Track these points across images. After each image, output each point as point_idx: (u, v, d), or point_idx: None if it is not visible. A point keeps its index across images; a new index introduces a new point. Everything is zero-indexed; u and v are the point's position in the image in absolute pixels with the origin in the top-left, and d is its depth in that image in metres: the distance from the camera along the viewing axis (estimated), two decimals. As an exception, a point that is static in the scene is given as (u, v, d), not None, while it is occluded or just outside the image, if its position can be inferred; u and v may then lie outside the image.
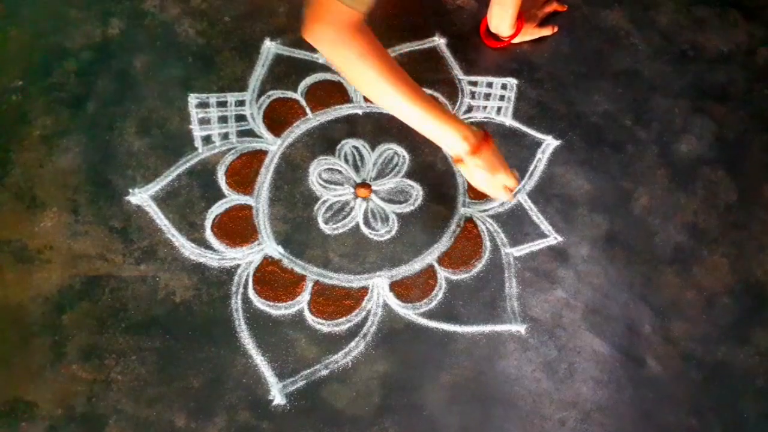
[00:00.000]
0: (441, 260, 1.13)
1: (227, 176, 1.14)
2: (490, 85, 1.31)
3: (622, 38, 1.41)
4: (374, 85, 0.89)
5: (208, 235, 1.09)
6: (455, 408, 1.01)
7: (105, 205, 1.09)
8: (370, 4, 0.83)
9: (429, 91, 1.29)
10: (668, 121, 1.33)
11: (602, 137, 1.29)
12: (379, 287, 1.09)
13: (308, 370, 1.01)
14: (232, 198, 1.13)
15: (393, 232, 1.14)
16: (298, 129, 1.20)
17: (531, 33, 1.35)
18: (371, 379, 1.02)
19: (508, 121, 1.28)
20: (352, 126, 1.22)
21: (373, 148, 1.21)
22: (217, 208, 1.11)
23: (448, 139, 0.95)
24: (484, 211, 1.19)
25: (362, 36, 0.86)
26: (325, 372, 1.02)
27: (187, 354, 1.00)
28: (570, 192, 1.22)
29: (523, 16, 1.31)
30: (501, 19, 1.28)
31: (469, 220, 1.17)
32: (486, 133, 0.98)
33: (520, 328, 1.09)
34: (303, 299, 1.06)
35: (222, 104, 1.20)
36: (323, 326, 1.05)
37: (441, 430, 1.00)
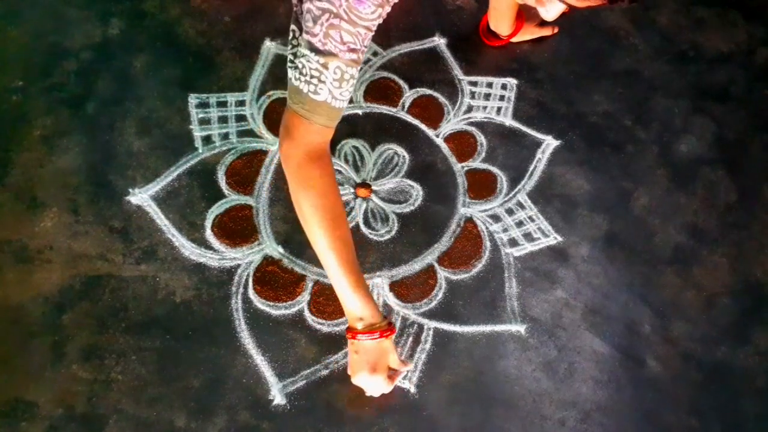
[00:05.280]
0: (441, 260, 1.13)
1: (227, 176, 1.14)
2: (490, 85, 1.31)
3: (622, 38, 1.41)
4: (307, 218, 0.86)
5: (208, 235, 1.09)
6: (455, 408, 1.01)
7: (105, 205, 1.09)
8: (339, 118, 0.84)
9: (429, 92, 1.29)
10: (668, 121, 1.33)
11: (602, 137, 1.29)
12: (378, 287, 1.09)
13: (308, 370, 1.01)
14: (232, 198, 1.13)
15: (393, 232, 1.14)
16: (298, 129, 1.20)
17: (531, 32, 1.35)
18: (371, 379, 1.02)
19: (508, 121, 1.28)
20: (352, 126, 1.22)
21: (373, 148, 1.21)
22: (217, 208, 1.11)
23: (349, 308, 0.91)
24: (484, 211, 1.19)
25: (320, 166, 0.85)
26: (325, 372, 1.01)
27: (187, 354, 1.00)
28: (570, 192, 1.22)
29: (523, 16, 1.31)
30: (500, 19, 1.28)
31: (469, 220, 1.17)
32: (389, 329, 0.91)
33: (520, 328, 1.09)
34: (303, 299, 1.06)
35: (222, 104, 1.20)
36: (323, 326, 1.05)
37: (441, 430, 1.00)
